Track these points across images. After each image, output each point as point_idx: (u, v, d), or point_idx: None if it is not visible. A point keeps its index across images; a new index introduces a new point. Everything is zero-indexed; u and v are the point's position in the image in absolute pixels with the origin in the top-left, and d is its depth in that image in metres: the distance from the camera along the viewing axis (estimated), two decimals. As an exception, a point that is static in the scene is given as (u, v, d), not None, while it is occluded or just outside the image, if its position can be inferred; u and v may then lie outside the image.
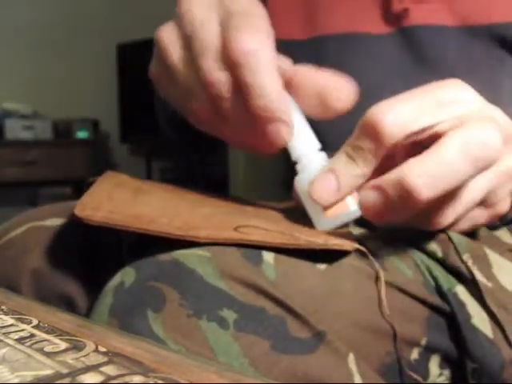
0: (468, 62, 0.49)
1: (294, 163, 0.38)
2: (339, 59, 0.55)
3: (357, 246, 0.33)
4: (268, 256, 0.32)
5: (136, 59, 3.04)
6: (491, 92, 0.37)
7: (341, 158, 0.35)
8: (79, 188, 2.79)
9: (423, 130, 0.33)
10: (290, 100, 0.38)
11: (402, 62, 0.52)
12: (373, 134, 0.33)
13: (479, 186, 0.34)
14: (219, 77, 0.36)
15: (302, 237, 0.32)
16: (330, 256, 0.33)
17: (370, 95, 0.51)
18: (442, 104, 0.34)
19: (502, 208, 0.37)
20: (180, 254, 0.31)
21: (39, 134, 2.75)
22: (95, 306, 0.31)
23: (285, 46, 0.56)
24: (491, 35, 0.48)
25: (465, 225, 0.37)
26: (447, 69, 0.50)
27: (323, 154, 0.38)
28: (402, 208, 0.31)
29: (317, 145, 0.38)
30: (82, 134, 2.85)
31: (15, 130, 2.68)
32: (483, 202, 0.36)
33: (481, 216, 0.37)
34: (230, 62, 0.35)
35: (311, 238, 0.32)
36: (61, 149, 2.79)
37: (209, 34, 0.36)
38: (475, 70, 0.49)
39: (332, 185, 0.35)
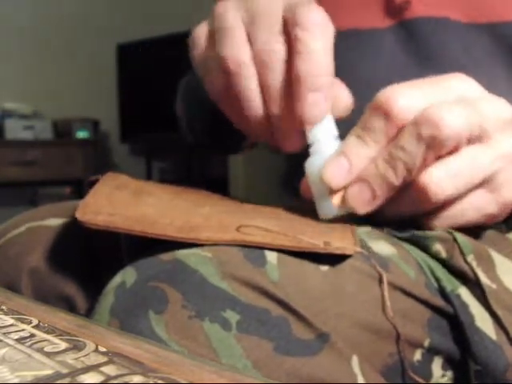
0: (469, 57, 0.49)
1: (309, 146, 0.39)
2: (339, 56, 0.55)
3: (358, 249, 0.33)
4: (271, 257, 0.32)
5: (136, 59, 3.05)
6: (492, 87, 0.37)
7: (351, 139, 0.36)
8: (79, 188, 2.78)
9: None
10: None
11: (403, 55, 0.52)
12: (384, 112, 0.34)
13: (479, 162, 0.35)
14: (275, 47, 0.39)
15: (305, 239, 0.32)
16: (332, 256, 0.33)
17: (369, 90, 0.51)
18: (450, 93, 0.35)
19: (509, 193, 0.37)
20: (182, 254, 0.31)
21: (39, 133, 2.75)
22: (96, 306, 0.31)
23: None
24: (494, 32, 0.48)
25: (473, 215, 0.36)
26: (448, 63, 0.50)
27: (339, 142, 0.38)
28: (382, 193, 0.35)
29: (335, 132, 0.39)
30: (82, 134, 2.85)
31: (15, 130, 2.68)
32: (486, 185, 0.36)
33: (488, 203, 0.36)
34: (296, 30, 0.38)
35: (314, 241, 0.32)
36: (61, 149, 2.79)
37: (273, 10, 0.39)
38: (476, 65, 0.49)
39: (343, 167, 0.36)
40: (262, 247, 0.32)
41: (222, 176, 2.70)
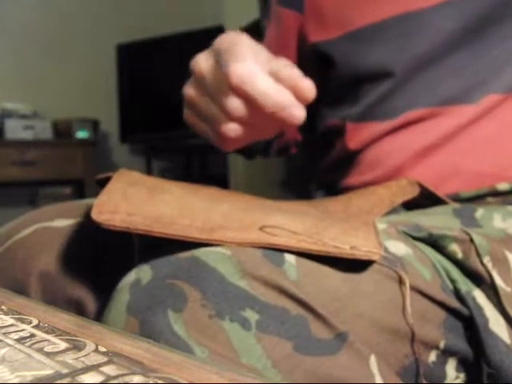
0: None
1: None
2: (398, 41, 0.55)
3: (383, 253, 0.32)
4: (289, 256, 0.31)
5: (136, 59, 3.05)
6: None
7: None
8: (79, 188, 2.78)
9: None
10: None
11: (454, 31, 0.52)
12: None
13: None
14: (234, 105, 0.43)
15: (330, 242, 0.32)
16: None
17: (423, 65, 0.55)
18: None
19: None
20: (200, 252, 0.31)
21: (39, 133, 2.74)
22: (110, 304, 0.31)
23: (323, 47, 0.59)
24: None
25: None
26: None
27: None
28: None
29: None
30: (81, 134, 2.85)
31: (15, 130, 2.68)
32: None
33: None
34: (234, 89, 0.42)
35: (339, 244, 0.32)
36: (61, 149, 2.78)
37: (213, 79, 0.45)
38: None
39: None
40: (286, 250, 0.31)
41: (221, 175, 2.70)
